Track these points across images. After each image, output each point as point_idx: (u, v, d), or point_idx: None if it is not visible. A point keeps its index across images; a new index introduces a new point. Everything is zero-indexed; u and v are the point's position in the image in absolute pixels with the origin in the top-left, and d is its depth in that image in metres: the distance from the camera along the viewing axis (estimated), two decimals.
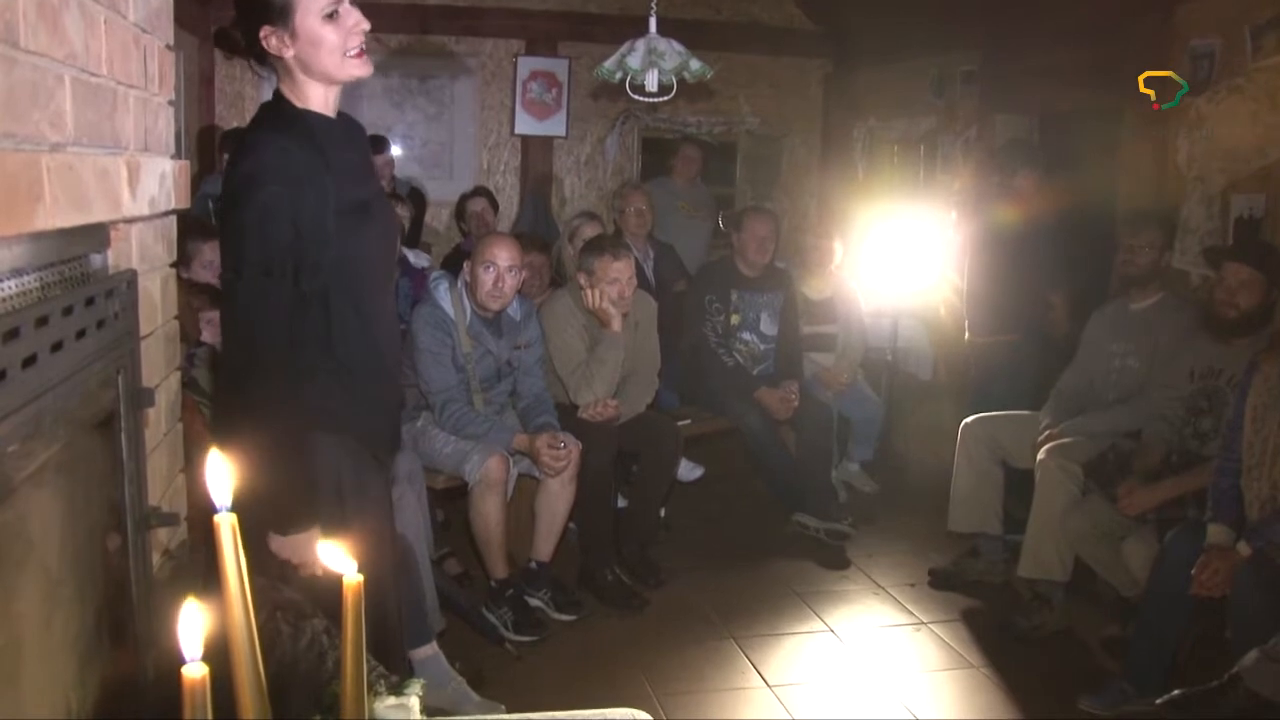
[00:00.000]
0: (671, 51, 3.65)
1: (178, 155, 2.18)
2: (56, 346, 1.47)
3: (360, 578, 1.12)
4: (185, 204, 2.21)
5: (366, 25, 2.19)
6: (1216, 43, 4.48)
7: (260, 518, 2.13)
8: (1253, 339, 3.71)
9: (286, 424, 2.16)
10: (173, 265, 2.25)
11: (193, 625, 0.85)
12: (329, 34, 2.15)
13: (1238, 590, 3.23)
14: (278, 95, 2.26)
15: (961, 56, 6.31)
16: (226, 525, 0.98)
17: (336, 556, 1.12)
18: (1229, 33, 4.41)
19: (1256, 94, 4.30)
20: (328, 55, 2.17)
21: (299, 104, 2.24)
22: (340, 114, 2.33)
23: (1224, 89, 4.46)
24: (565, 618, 4.21)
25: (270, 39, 2.17)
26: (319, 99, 2.25)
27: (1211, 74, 4.51)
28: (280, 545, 2.19)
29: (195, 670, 0.83)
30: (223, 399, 2.46)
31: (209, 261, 3.70)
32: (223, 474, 1.03)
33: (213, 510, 1.01)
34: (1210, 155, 4.56)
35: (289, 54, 2.18)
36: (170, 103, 2.15)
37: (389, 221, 2.48)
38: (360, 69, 2.21)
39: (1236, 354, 3.73)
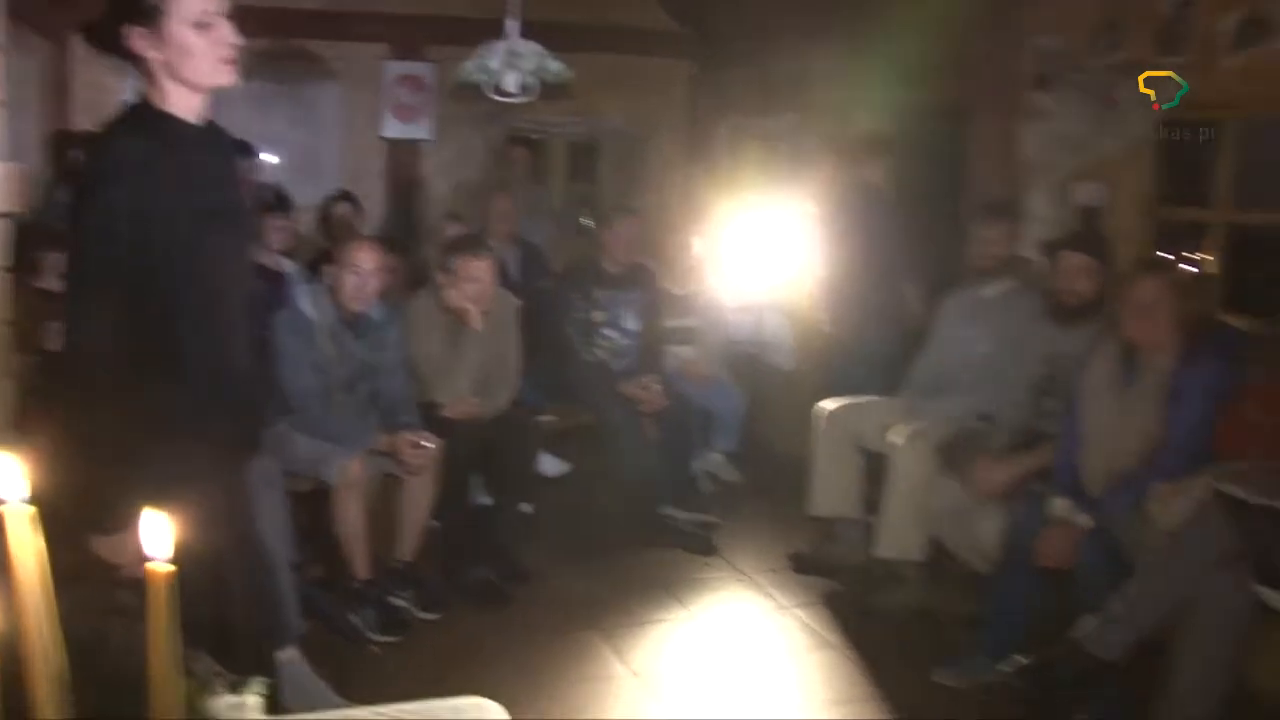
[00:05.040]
0: (530, 53, 3.64)
1: (22, 161, 2.09)
2: None
3: (170, 567, 1.08)
4: (17, 208, 2.13)
5: (236, 40, 2.17)
6: (1060, 40, 4.65)
7: (83, 517, 2.07)
8: (1094, 322, 3.84)
9: (109, 425, 2.10)
10: (8, 269, 2.17)
11: None
12: (199, 43, 2.12)
13: (1080, 561, 3.36)
14: (141, 97, 2.21)
15: (822, 54, 6.41)
16: (14, 519, 0.92)
17: (154, 543, 1.07)
18: (1072, 31, 4.58)
19: (1096, 89, 4.47)
20: (196, 63, 2.14)
21: (162, 106, 2.19)
22: (208, 122, 2.30)
23: (1067, 84, 4.62)
24: (429, 616, 4.17)
25: (137, 40, 2.12)
26: (184, 104, 2.21)
27: (1055, 70, 4.67)
28: (99, 545, 2.15)
29: None
30: (52, 395, 2.39)
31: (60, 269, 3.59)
32: (11, 467, 0.98)
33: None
34: (1053, 147, 4.73)
35: (155, 57, 2.13)
36: (1, 104, 2.06)
37: (242, 230, 2.46)
38: (226, 77, 2.19)
39: (1080, 337, 3.85)
